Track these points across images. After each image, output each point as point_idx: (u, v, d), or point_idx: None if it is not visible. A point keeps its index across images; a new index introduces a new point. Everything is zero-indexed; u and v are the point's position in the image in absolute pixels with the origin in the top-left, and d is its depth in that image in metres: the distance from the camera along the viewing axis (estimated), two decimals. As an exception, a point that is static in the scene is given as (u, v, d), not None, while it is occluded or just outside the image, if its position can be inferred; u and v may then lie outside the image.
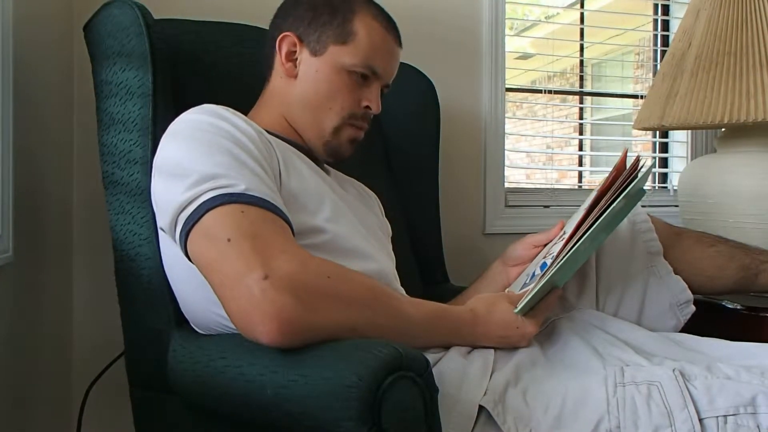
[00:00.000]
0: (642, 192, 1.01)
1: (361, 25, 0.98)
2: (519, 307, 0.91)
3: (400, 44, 1.04)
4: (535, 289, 0.91)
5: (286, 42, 1.00)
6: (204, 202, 0.76)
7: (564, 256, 0.90)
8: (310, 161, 1.01)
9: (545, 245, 1.06)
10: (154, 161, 0.86)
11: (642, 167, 0.94)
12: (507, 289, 1.06)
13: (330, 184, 1.01)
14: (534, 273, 0.98)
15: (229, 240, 0.73)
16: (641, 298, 1.09)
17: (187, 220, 0.77)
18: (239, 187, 0.77)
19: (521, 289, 0.98)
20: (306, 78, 0.99)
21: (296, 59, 1.00)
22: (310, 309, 0.71)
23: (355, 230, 0.96)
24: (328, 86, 0.98)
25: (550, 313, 1.01)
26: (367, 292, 0.80)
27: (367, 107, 1.00)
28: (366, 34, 0.98)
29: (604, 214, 0.91)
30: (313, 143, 1.01)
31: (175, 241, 0.81)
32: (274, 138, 0.95)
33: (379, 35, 0.99)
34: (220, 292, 0.74)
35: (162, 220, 0.83)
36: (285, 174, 0.90)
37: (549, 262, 0.94)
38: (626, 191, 0.92)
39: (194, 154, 0.81)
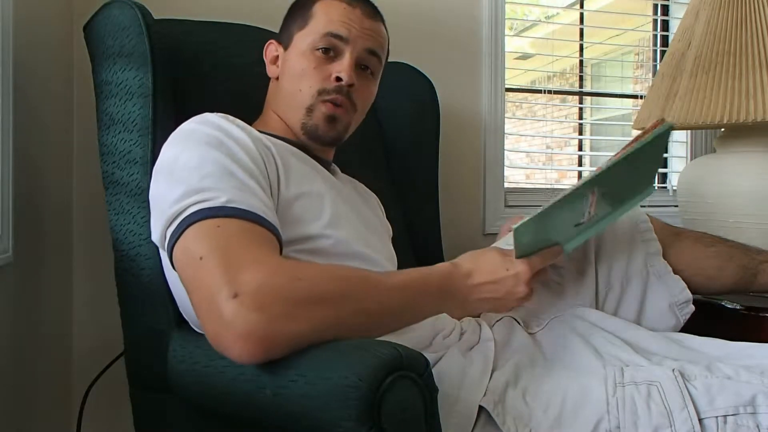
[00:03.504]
0: (667, 134, 0.95)
1: (320, 8, 1.00)
2: (519, 223, 0.84)
3: (372, 16, 1.02)
4: (540, 211, 0.83)
5: (269, 49, 1.05)
6: (186, 217, 0.76)
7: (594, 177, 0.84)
8: (313, 161, 1.01)
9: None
10: (153, 170, 0.87)
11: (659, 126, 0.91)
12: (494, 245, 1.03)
13: (333, 184, 1.00)
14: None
15: (201, 258, 0.73)
16: (641, 298, 1.09)
17: (171, 236, 0.77)
18: (220, 200, 0.77)
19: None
20: (283, 72, 1.02)
21: (278, 61, 1.04)
22: (284, 319, 0.69)
23: (356, 233, 0.96)
24: (298, 69, 0.99)
25: (546, 263, 0.93)
26: (342, 284, 0.76)
27: (338, 79, 0.98)
28: (323, 12, 0.99)
29: (624, 155, 0.88)
30: (296, 129, 1.01)
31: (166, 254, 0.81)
32: (276, 140, 0.95)
33: (338, 9, 0.99)
34: (197, 313, 0.74)
35: (153, 234, 0.83)
36: (284, 181, 0.89)
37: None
38: (649, 139, 0.89)
39: (186, 166, 0.81)
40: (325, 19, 0.99)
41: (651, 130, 0.93)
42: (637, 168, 0.96)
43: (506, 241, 1.00)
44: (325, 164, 1.05)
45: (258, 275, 0.70)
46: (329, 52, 0.98)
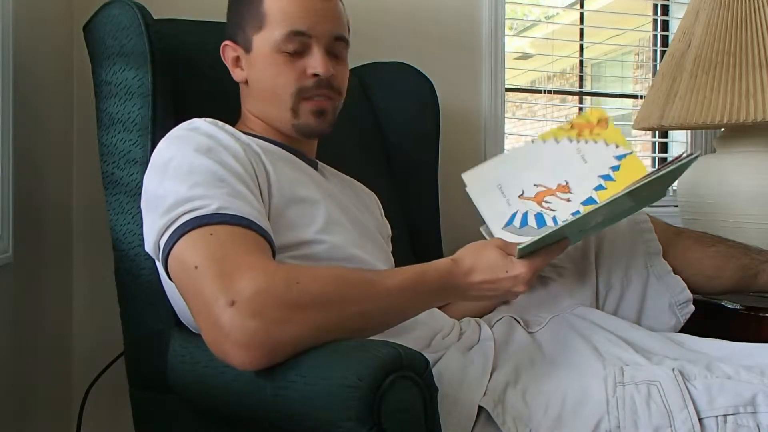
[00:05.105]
0: (680, 171, 0.95)
1: (270, 3, 0.96)
2: (521, 246, 0.84)
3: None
4: (544, 233, 0.84)
5: (226, 51, 1.01)
6: (177, 227, 0.76)
7: (600, 206, 0.86)
8: (303, 163, 1.00)
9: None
10: (143, 179, 0.86)
11: (688, 157, 0.91)
12: (481, 227, 1.01)
13: (324, 187, 0.99)
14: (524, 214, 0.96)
15: (196, 267, 0.72)
16: (641, 298, 1.09)
17: (164, 246, 0.77)
18: (211, 207, 0.76)
19: (503, 227, 0.98)
20: (252, 76, 0.99)
21: (241, 64, 1.00)
22: (283, 323, 0.69)
23: (350, 237, 0.95)
24: (269, 74, 0.96)
25: (549, 262, 0.91)
26: (340, 286, 0.75)
27: (315, 74, 0.95)
28: (276, 9, 0.95)
29: (646, 180, 0.88)
30: (287, 130, 0.99)
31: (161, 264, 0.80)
32: (262, 143, 0.94)
33: (290, 2, 0.95)
34: (196, 322, 0.74)
35: (146, 245, 0.83)
36: (275, 187, 0.89)
37: (549, 215, 0.91)
38: (674, 166, 0.89)
39: (175, 174, 0.81)
40: (280, 15, 0.95)
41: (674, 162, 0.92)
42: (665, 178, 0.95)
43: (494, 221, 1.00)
44: (313, 165, 1.04)
45: (254, 281, 0.69)
46: (296, 49, 0.95)
